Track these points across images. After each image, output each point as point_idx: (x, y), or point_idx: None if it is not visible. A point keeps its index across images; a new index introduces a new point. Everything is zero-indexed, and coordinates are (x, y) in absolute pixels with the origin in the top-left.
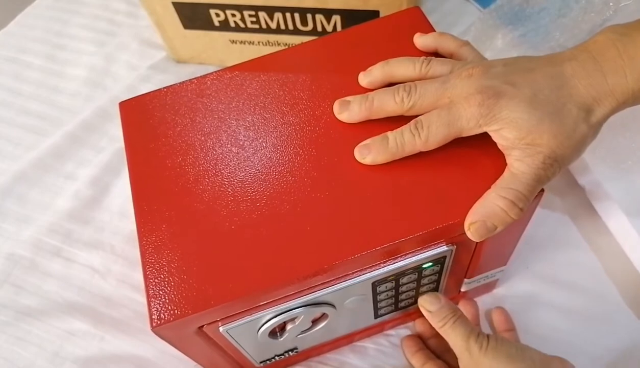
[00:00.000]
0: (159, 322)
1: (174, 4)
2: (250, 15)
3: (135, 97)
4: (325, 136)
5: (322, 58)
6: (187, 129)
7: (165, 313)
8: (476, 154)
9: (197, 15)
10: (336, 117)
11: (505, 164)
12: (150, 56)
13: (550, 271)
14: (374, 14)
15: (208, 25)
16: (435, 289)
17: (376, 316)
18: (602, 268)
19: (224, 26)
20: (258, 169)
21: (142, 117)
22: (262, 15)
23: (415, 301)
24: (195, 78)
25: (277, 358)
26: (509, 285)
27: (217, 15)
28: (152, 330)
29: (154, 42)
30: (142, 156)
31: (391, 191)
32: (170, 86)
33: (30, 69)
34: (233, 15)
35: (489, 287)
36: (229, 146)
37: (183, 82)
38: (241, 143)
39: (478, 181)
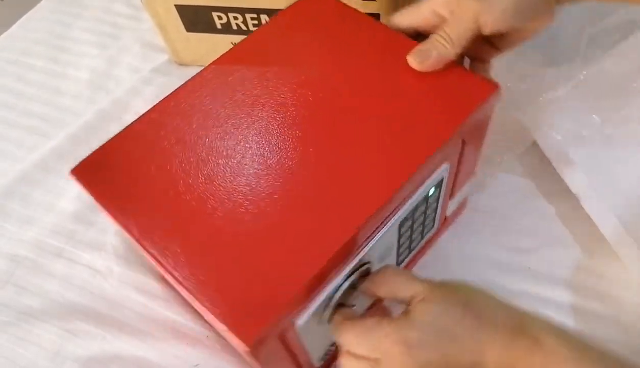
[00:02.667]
0: (254, 342)
1: (177, 6)
2: (252, 18)
3: (86, 158)
4: (314, 111)
5: (290, 46)
6: (166, 159)
7: (255, 333)
8: (450, 77)
9: (199, 18)
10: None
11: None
12: (152, 58)
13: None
14: (374, 16)
15: (210, 28)
16: (433, 220)
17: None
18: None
19: (226, 29)
20: (257, 165)
21: (107, 177)
22: (264, 18)
23: (422, 238)
24: (154, 108)
25: (331, 348)
26: None
27: (220, 18)
28: (249, 352)
29: (156, 45)
30: (129, 211)
31: (388, 136)
32: (124, 131)
33: (33, 71)
34: (235, 18)
35: (461, 209)
36: (215, 158)
37: (140, 118)
38: (226, 152)
39: (459, 98)
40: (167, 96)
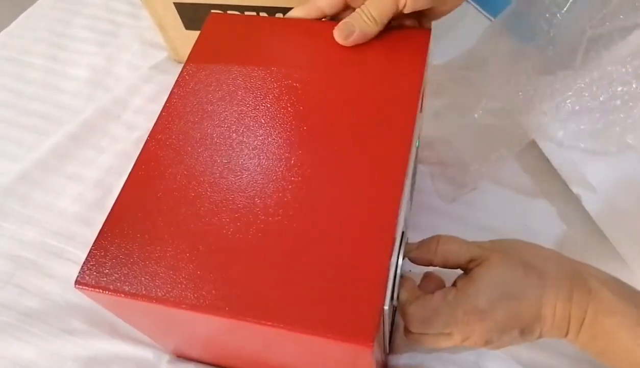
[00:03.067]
0: (373, 339)
1: (176, 4)
2: None
3: (86, 261)
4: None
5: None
6: (174, 217)
7: (371, 331)
8: (388, 37)
9: (198, 16)
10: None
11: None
12: (151, 56)
13: None
14: None
15: None
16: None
17: None
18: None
19: None
20: (273, 184)
21: (120, 267)
22: (263, 15)
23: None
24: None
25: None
26: None
27: None
28: (370, 352)
29: (155, 42)
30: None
31: (373, 108)
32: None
33: (32, 69)
34: None
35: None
36: (229, 196)
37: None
38: (237, 185)
39: (408, 50)
40: (140, 154)
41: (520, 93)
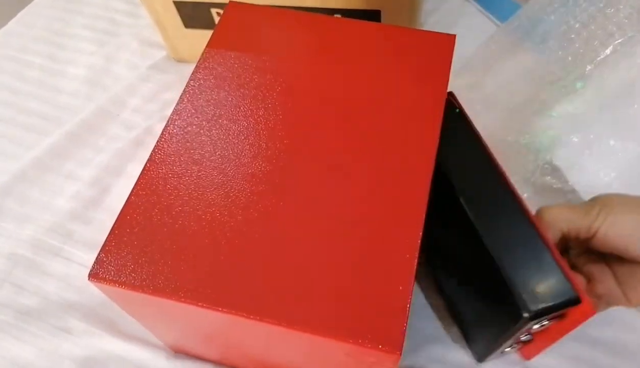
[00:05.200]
0: (400, 346)
1: (175, 2)
2: None
3: (99, 256)
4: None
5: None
6: (187, 215)
7: (399, 338)
8: (411, 41)
9: (197, 14)
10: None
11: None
12: (150, 55)
13: None
14: (375, 13)
15: (209, 24)
16: None
17: None
18: None
19: None
20: (297, 189)
21: (135, 262)
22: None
23: None
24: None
25: None
26: None
27: (218, 14)
28: (397, 359)
29: (154, 41)
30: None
31: (399, 114)
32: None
33: (30, 68)
34: None
35: None
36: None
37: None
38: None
39: (433, 57)
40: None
41: (528, 101)
